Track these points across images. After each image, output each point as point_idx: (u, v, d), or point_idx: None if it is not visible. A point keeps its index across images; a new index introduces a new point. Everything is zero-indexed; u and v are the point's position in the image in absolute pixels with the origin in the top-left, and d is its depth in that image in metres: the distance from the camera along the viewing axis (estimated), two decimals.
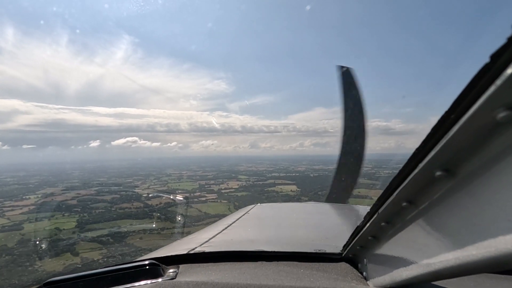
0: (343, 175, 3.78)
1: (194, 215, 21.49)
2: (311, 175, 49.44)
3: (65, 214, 19.89)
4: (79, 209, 21.47)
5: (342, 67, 3.61)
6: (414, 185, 0.61)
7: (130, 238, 14.09)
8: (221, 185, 37.69)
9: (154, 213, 19.63)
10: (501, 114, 0.39)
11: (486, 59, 0.38)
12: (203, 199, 29.56)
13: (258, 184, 38.98)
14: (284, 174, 49.79)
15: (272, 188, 34.08)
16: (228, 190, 34.40)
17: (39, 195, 28.56)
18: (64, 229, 15.90)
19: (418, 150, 0.55)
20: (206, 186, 37.68)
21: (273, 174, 49.66)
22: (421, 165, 0.55)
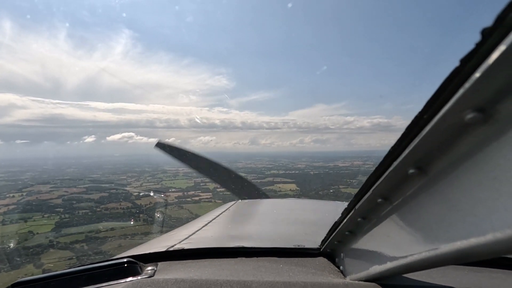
0: (229, 181, 3.94)
1: (184, 217, 19.96)
2: (311, 172, 48.07)
3: (45, 215, 18.34)
4: (61, 210, 20.00)
5: (157, 144, 3.88)
6: (389, 182, 0.63)
7: (108, 245, 12.61)
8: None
9: (141, 215, 18.17)
10: (469, 116, 0.41)
11: (456, 63, 0.40)
12: (197, 198, 27.99)
13: (256, 183, 36.64)
14: (283, 172, 48.36)
15: (271, 187, 31.98)
16: (224, 189, 32.85)
17: (25, 193, 27.01)
18: (38, 233, 14.36)
19: (393, 148, 0.57)
20: (201, 184, 36.14)
21: (272, 172, 48.17)
22: (395, 163, 0.57)
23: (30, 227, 15.37)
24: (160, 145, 3.86)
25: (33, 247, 11.86)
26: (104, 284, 0.98)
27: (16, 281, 0.97)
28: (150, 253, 1.24)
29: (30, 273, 9.28)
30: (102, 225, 15.49)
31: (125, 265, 1.06)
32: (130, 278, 1.00)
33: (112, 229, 15.31)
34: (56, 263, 10.91)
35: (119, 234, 14.29)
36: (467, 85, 0.39)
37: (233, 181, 3.94)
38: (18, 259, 9.95)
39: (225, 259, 1.20)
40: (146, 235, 13.72)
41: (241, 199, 3.56)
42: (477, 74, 0.38)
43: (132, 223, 16.58)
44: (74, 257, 11.54)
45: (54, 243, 12.75)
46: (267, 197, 3.76)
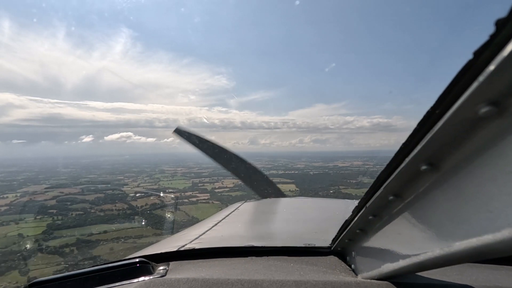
0: (249, 176, 3.96)
1: (179, 219, 19.45)
2: (311, 172, 47.68)
3: (37, 217, 17.81)
4: (55, 211, 19.52)
5: (176, 130, 3.89)
6: (400, 179, 0.62)
7: (99, 249, 12.17)
8: (215, 184, 35.71)
9: (136, 217, 17.69)
10: (483, 110, 0.40)
11: (469, 56, 0.40)
12: (194, 199, 27.32)
13: None
14: (282, 172, 47.96)
15: None
16: (222, 190, 32.33)
17: (19, 194, 26.49)
18: (28, 235, 13.84)
19: (405, 145, 0.56)
20: (199, 184, 35.70)
21: (271, 172, 47.67)
22: (407, 160, 0.57)
23: (21, 229, 14.85)
24: (178, 131, 3.77)
25: (20, 251, 11.34)
26: (117, 284, 0.99)
27: (33, 281, 1.00)
28: (161, 253, 1.25)
29: (14, 280, 8.79)
30: (95, 228, 15.03)
31: (137, 265, 1.07)
32: (142, 278, 1.02)
33: (105, 231, 14.83)
34: (43, 270, 10.34)
35: (112, 237, 13.83)
36: (481, 78, 0.38)
37: (254, 178, 3.87)
38: (3, 264, 9.47)
39: (236, 258, 1.20)
40: (140, 238, 13.25)
41: (263, 197, 3.59)
42: (491, 67, 0.36)
43: (128, 224, 16.13)
44: (62, 263, 11.02)
45: (43, 247, 12.24)
46: (284, 196, 3.74)
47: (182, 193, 29.21)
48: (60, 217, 18.16)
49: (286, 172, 48.27)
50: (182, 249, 1.29)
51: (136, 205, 20.41)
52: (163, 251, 1.26)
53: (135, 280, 1.00)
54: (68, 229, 15.44)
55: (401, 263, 0.70)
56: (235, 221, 2.05)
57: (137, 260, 1.08)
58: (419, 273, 0.90)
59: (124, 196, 23.01)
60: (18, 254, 10.78)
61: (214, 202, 26.18)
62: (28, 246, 11.71)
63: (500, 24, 0.35)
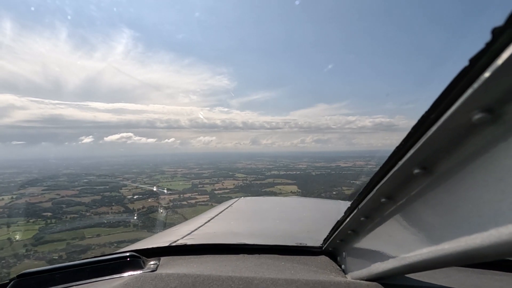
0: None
1: (177, 222, 18.89)
2: (313, 173, 47.01)
3: (31, 220, 17.23)
4: (49, 214, 18.95)
5: None
6: (393, 182, 0.63)
7: (90, 254, 11.51)
8: (215, 185, 35.16)
9: (131, 220, 17.10)
10: (477, 116, 0.40)
11: (465, 63, 0.40)
12: (193, 201, 26.75)
13: (256, 184, 36.15)
14: (284, 172, 47.28)
15: (271, 189, 31.30)
16: (222, 191, 31.77)
17: (15, 196, 25.97)
18: (17, 240, 13.23)
19: (398, 148, 0.57)
20: (199, 185, 35.17)
21: (273, 172, 47.14)
22: (400, 163, 0.57)
23: (12, 233, 14.24)
24: None
25: (6, 257, 10.71)
26: (107, 277, 0.99)
27: (22, 272, 0.98)
28: (152, 248, 1.25)
29: None
30: (88, 231, 14.41)
31: (128, 259, 1.07)
32: (133, 272, 1.01)
33: (98, 235, 14.24)
34: None
35: (104, 242, 13.25)
36: (475, 85, 0.38)
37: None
38: None
39: (227, 255, 1.21)
40: (134, 242, 12.65)
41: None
42: (486, 74, 0.37)
43: (123, 228, 15.57)
44: None
45: (31, 252, 11.61)
46: None
47: (181, 195, 28.58)
48: (53, 220, 17.61)
49: (288, 172, 47.59)
50: (173, 244, 1.29)
51: (133, 208, 19.85)
52: (154, 246, 1.26)
53: (126, 274, 1.00)
54: (60, 233, 14.83)
55: (391, 265, 0.71)
56: (229, 217, 2.05)
57: (128, 254, 1.09)
58: (408, 275, 0.90)
59: (122, 198, 22.48)
60: (3, 261, 10.18)
61: (213, 204, 25.48)
62: (14, 252, 11.09)
63: (497, 32, 0.35)
